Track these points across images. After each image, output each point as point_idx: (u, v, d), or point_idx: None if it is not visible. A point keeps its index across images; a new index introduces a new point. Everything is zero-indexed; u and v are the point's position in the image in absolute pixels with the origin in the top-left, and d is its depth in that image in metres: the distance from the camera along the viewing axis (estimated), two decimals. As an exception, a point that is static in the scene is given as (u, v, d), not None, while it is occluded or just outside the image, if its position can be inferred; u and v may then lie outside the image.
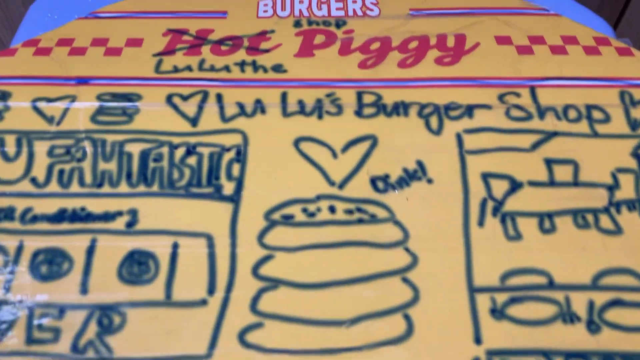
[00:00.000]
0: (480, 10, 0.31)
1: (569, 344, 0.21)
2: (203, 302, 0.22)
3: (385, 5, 0.32)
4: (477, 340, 0.21)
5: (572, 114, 0.27)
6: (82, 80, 0.27)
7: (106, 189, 0.24)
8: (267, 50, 0.29)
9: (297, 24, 0.31)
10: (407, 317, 0.22)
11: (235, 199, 0.24)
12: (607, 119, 0.27)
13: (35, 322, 0.21)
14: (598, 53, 0.29)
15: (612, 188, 0.25)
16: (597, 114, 0.27)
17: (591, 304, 0.22)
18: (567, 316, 0.22)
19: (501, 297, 0.22)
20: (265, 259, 0.23)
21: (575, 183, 0.25)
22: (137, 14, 0.31)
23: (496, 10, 0.32)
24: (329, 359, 0.21)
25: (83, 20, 0.31)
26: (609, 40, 0.30)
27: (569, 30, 0.30)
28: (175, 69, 0.28)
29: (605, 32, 0.31)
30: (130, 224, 0.23)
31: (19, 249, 0.23)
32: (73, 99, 0.26)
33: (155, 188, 0.24)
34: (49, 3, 0.34)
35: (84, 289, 0.22)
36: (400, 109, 0.27)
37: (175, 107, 0.27)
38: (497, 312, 0.22)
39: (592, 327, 0.21)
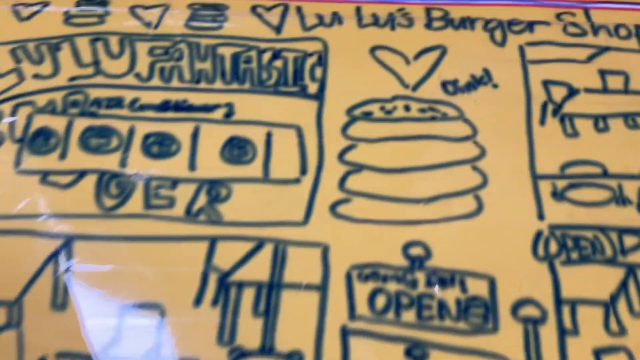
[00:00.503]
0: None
1: (622, 221, 0.24)
2: (297, 181, 0.25)
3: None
4: (540, 216, 0.24)
5: (623, 32, 0.29)
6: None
7: (203, 85, 0.27)
8: None
9: None
10: (477, 198, 0.25)
11: (319, 96, 0.27)
12: None
13: (152, 191, 0.24)
14: None
15: None
16: None
17: None
18: (620, 199, 0.25)
19: (561, 183, 0.25)
20: (349, 148, 0.26)
21: (626, 91, 0.28)
22: None
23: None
24: (409, 229, 0.24)
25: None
26: None
27: None
28: None
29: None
30: (228, 115, 0.26)
31: (131, 132, 0.25)
32: (167, 7, 0.29)
33: (247, 86, 0.27)
34: None
35: (192, 166, 0.25)
36: (467, 23, 0.29)
37: (259, 16, 0.29)
38: (558, 195, 0.25)
39: None
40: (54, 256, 0.23)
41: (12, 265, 0.23)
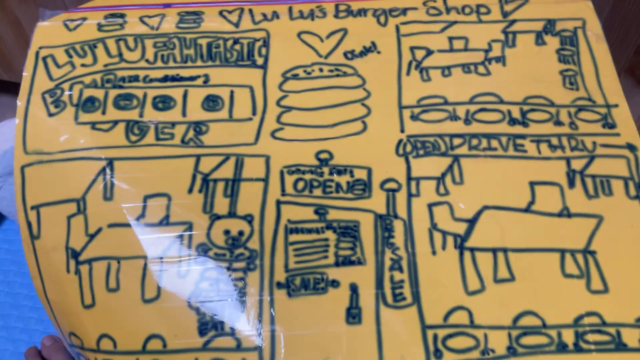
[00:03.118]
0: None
1: (453, 130, 0.38)
2: (250, 119, 0.39)
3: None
4: (402, 130, 0.38)
5: (467, 10, 0.43)
6: (168, 5, 0.44)
7: (189, 64, 0.41)
8: None
9: None
10: (363, 122, 0.39)
11: (264, 66, 0.41)
12: (488, 12, 0.43)
13: (159, 130, 0.39)
14: None
15: None
16: (482, 9, 0.43)
17: None
18: (454, 117, 0.39)
19: (417, 110, 0.39)
20: (283, 97, 0.40)
21: (465, 49, 0.41)
22: None
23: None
24: (320, 143, 0.38)
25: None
26: None
27: None
28: None
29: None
30: (205, 82, 0.41)
31: (144, 96, 0.40)
32: (163, 15, 0.43)
33: (217, 62, 0.41)
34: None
35: (184, 114, 0.39)
36: (362, 12, 0.43)
37: (224, 17, 0.43)
38: (414, 117, 0.39)
39: None
40: (103, 170, 0.37)
41: (77, 177, 0.37)
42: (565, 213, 0.35)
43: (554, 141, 0.38)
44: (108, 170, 0.37)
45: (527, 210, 0.35)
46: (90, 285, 0.35)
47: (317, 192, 0.37)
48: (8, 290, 0.99)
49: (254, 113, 0.39)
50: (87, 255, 0.35)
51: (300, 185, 0.37)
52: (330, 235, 0.35)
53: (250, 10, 0.44)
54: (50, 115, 0.39)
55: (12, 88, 1.22)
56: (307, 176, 0.37)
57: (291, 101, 0.40)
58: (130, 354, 0.33)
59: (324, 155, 0.38)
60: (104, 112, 0.39)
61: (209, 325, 0.33)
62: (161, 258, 0.35)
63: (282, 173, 0.37)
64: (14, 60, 1.11)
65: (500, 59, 0.41)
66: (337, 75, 0.41)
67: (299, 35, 0.42)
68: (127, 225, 0.36)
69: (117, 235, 0.36)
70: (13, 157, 1.03)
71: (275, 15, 0.43)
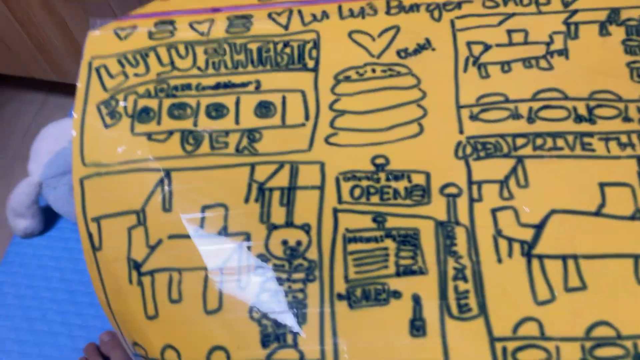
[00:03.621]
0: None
1: (515, 130, 0.37)
2: (303, 125, 0.39)
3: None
4: (461, 132, 0.37)
5: (525, 1, 0.41)
6: (216, 10, 0.44)
7: (240, 69, 0.41)
8: None
9: None
10: (420, 124, 0.38)
11: (315, 69, 0.40)
12: (548, 2, 0.41)
13: (214, 139, 0.38)
14: None
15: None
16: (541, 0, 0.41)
17: None
18: (515, 116, 0.37)
19: (476, 109, 0.38)
20: (335, 100, 0.39)
21: (525, 42, 0.39)
22: None
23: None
24: (375, 147, 0.37)
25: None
26: None
27: None
28: None
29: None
30: (257, 87, 0.40)
31: (198, 104, 0.40)
32: (212, 20, 0.43)
33: (268, 67, 0.41)
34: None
35: (237, 121, 0.39)
36: (414, 7, 0.42)
37: (274, 20, 0.43)
38: (473, 117, 0.37)
39: None
40: (161, 181, 0.38)
41: (136, 188, 0.38)
42: (638, 216, 0.33)
43: (624, 139, 0.36)
44: (166, 181, 0.37)
45: (597, 213, 0.34)
46: (153, 297, 0.35)
47: (375, 199, 0.36)
48: (65, 288, 1.02)
49: (306, 118, 0.39)
50: (149, 266, 0.36)
51: (357, 192, 0.36)
52: (389, 244, 0.34)
53: (300, 11, 0.43)
54: (107, 126, 0.39)
55: (60, 88, 1.25)
56: (364, 182, 0.36)
57: (344, 104, 0.39)
58: (195, 365, 0.34)
59: (380, 160, 0.37)
60: (159, 122, 0.39)
61: (272, 337, 0.33)
62: (221, 269, 0.35)
63: (337, 180, 0.37)
64: (62, 60, 1.14)
65: (563, 52, 0.39)
66: (391, 76, 0.40)
67: (349, 34, 0.41)
68: (187, 236, 0.36)
69: (178, 246, 0.36)
70: (65, 157, 1.06)
71: (325, 15, 0.42)
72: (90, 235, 0.37)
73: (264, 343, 0.33)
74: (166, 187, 0.37)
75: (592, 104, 0.37)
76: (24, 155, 1.22)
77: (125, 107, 0.40)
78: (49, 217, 1.14)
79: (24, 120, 1.27)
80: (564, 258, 0.33)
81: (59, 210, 1.05)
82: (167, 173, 0.38)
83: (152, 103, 0.40)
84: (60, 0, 0.99)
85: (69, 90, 1.27)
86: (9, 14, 1.04)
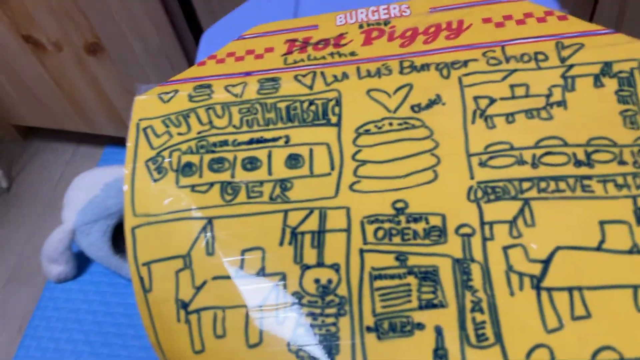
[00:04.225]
0: (473, 4, 0.51)
1: (521, 175, 0.41)
2: (329, 174, 0.43)
3: (414, 7, 0.52)
4: (472, 177, 0.41)
5: (526, 57, 0.45)
6: (248, 73, 0.49)
7: (271, 126, 0.46)
8: (345, 44, 0.50)
9: (361, 26, 0.51)
10: (434, 171, 0.42)
11: (338, 124, 0.45)
12: (546, 58, 0.45)
13: (250, 189, 0.43)
14: (545, 21, 0.48)
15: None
16: (540, 56, 0.45)
17: None
18: (521, 162, 0.41)
19: (484, 157, 0.42)
20: (357, 152, 0.44)
21: (527, 95, 0.44)
22: (267, 33, 0.53)
23: (483, 2, 0.51)
24: (395, 193, 0.42)
25: (236, 41, 0.53)
26: (553, 12, 0.48)
27: (529, 8, 0.49)
28: (294, 62, 0.50)
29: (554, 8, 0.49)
30: (286, 142, 0.45)
31: (235, 158, 0.45)
32: (245, 83, 0.48)
33: (296, 123, 0.46)
34: (213, 34, 0.57)
35: (270, 173, 0.44)
36: (425, 67, 0.47)
37: (299, 81, 0.48)
38: (482, 164, 0.42)
39: None
40: (204, 228, 0.42)
41: (182, 235, 0.42)
42: (635, 250, 0.37)
43: (620, 180, 0.39)
44: (208, 228, 0.42)
45: (598, 249, 0.37)
46: (200, 333, 0.39)
47: (396, 239, 0.40)
48: (98, 330, 1.06)
49: (332, 168, 0.43)
50: (195, 305, 0.40)
51: (380, 234, 0.40)
52: (411, 280, 0.38)
53: (322, 73, 0.48)
54: (155, 180, 0.44)
55: (89, 139, 1.32)
56: (386, 225, 0.40)
57: (365, 155, 0.44)
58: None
59: (399, 205, 0.41)
60: (200, 176, 0.44)
61: None
62: (260, 306, 0.39)
63: (362, 223, 0.41)
64: (92, 113, 1.21)
65: (562, 103, 0.43)
66: (406, 128, 0.44)
67: (368, 92, 0.46)
68: (229, 277, 0.40)
69: (221, 286, 0.40)
70: (98, 205, 1.12)
71: (345, 75, 0.47)
72: (141, 279, 0.42)
73: None
74: (209, 233, 0.42)
75: (589, 149, 0.41)
76: (54, 205, 1.28)
77: (170, 163, 0.45)
78: (80, 263, 1.19)
79: (54, 171, 1.34)
80: (570, 290, 0.36)
81: (92, 256, 1.11)
82: (209, 221, 0.42)
83: (194, 159, 0.45)
84: (93, 59, 1.06)
85: (97, 141, 1.34)
86: (43, 70, 1.12)
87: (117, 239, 1.07)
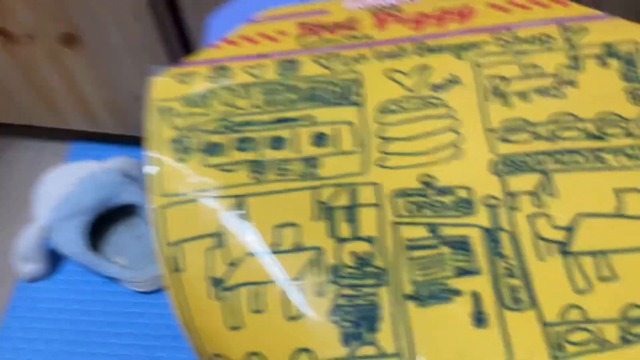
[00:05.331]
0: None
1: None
2: (355, 152, 0.44)
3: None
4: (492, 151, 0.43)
5: (534, 39, 0.48)
6: (264, 55, 0.49)
7: (294, 107, 0.47)
8: (358, 28, 0.51)
9: (371, 11, 0.53)
10: (455, 146, 0.44)
11: (360, 104, 0.46)
12: (553, 40, 0.48)
13: (277, 169, 0.43)
14: (549, 7, 0.50)
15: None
16: (547, 39, 0.48)
17: None
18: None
19: (500, 133, 0.44)
20: (381, 129, 0.45)
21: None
22: (278, 17, 0.53)
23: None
24: (421, 167, 0.43)
25: (247, 24, 0.53)
26: None
27: None
28: (311, 44, 0.50)
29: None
30: (311, 121, 0.46)
31: (261, 138, 0.45)
32: (263, 65, 0.49)
33: (319, 103, 0.46)
34: (219, 18, 0.57)
35: (297, 150, 0.44)
36: (439, 49, 0.48)
37: (318, 63, 0.49)
38: (504, 140, 0.44)
39: None
40: (235, 206, 0.42)
41: (212, 213, 0.42)
42: None
43: (629, 152, 0.42)
44: (239, 206, 0.42)
45: (615, 215, 0.40)
46: (236, 309, 0.40)
47: (427, 212, 0.41)
48: (75, 329, 1.02)
49: (358, 146, 0.44)
50: (230, 282, 0.40)
51: (411, 207, 0.42)
52: (445, 249, 0.40)
53: (340, 55, 0.49)
54: (181, 160, 0.44)
55: (56, 134, 1.28)
56: (415, 199, 0.42)
57: (390, 132, 0.45)
58: (281, 367, 0.38)
59: (426, 179, 0.43)
60: (227, 155, 0.44)
61: (351, 337, 0.37)
62: (298, 280, 0.39)
63: (392, 198, 0.42)
64: (63, 107, 1.17)
65: (571, 82, 0.46)
66: (427, 106, 0.46)
67: (386, 73, 0.48)
68: (264, 253, 0.40)
69: (255, 262, 0.40)
70: (73, 200, 1.09)
71: (363, 57, 0.49)
72: (172, 259, 0.41)
73: (345, 342, 0.37)
74: (240, 211, 0.42)
75: (600, 124, 0.44)
76: (22, 202, 1.23)
77: (196, 143, 0.45)
78: (53, 261, 1.15)
79: (21, 168, 1.29)
80: (594, 254, 0.39)
81: (67, 252, 1.07)
82: (240, 198, 0.42)
83: (220, 138, 0.45)
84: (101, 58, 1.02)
85: (65, 136, 1.30)
86: (12, 63, 1.08)
87: (92, 235, 1.04)
